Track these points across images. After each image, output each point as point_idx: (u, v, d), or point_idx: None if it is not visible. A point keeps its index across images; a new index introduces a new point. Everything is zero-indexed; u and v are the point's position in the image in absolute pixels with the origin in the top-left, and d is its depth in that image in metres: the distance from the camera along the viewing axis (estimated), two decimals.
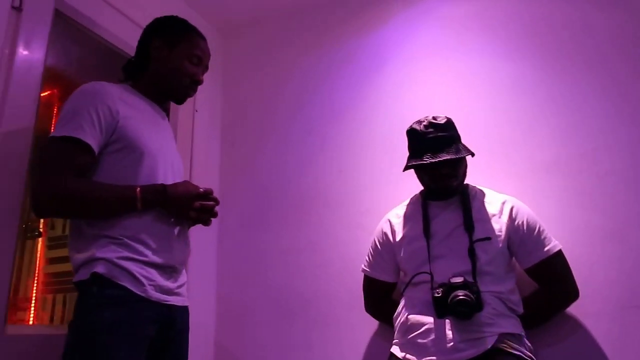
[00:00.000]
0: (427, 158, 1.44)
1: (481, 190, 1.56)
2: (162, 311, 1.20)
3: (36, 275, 2.22)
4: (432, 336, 1.34)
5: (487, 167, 1.72)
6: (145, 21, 1.83)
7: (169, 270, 1.25)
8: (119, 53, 1.81)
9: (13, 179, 1.37)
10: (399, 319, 1.48)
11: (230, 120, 2.36)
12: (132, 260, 1.16)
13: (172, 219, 1.28)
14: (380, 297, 1.66)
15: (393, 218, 1.62)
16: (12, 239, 1.35)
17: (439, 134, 1.46)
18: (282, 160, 2.17)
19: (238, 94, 2.36)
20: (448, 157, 1.41)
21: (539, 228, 1.47)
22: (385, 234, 1.60)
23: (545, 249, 1.44)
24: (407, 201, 1.64)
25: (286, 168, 2.15)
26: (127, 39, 1.78)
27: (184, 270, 1.34)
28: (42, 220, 2.20)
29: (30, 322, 2.08)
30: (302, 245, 2.01)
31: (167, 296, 1.22)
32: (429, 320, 1.37)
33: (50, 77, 1.83)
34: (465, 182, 1.55)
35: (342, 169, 2.02)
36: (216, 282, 2.17)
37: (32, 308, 2.16)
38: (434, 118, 1.50)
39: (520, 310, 1.42)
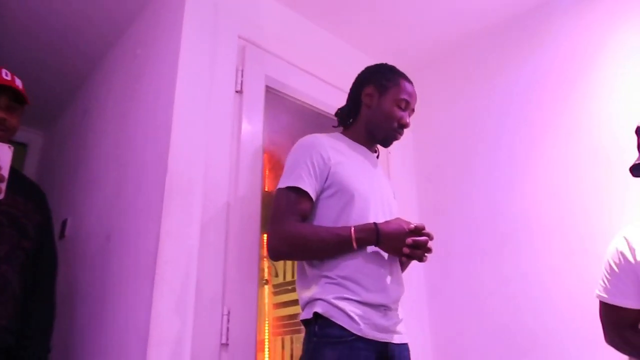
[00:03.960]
0: None
1: None
2: (380, 349, 1.23)
3: (266, 319, 2.49)
4: None
5: None
6: (336, 80, 2.01)
7: (383, 308, 1.28)
8: (319, 113, 2.02)
9: (251, 233, 1.60)
10: None
11: (423, 156, 2.40)
12: (347, 300, 1.22)
13: (385, 259, 1.32)
14: (624, 326, 1.44)
15: (630, 235, 1.41)
16: (254, 288, 1.57)
17: None
18: (483, 190, 2.11)
19: (428, 130, 2.40)
20: None
21: None
22: (621, 253, 1.41)
23: None
24: None
25: (489, 198, 2.08)
26: (325, 99, 1.99)
27: (399, 308, 1.36)
28: (267, 269, 2.49)
29: None
30: (519, 276, 1.89)
31: (383, 334, 1.25)
32: None
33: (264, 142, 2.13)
34: None
35: (554, 190, 1.87)
36: (429, 321, 2.15)
37: (266, 349, 2.42)
38: None
39: None
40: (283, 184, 1.33)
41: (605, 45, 1.86)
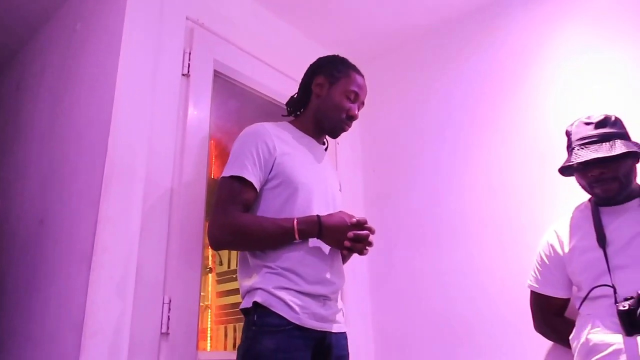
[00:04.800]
0: (575, 159, 1.35)
1: None
2: (318, 338, 1.25)
3: (209, 307, 2.46)
4: (623, 358, 1.21)
5: None
6: (286, 68, 1.99)
7: (323, 298, 1.30)
8: (269, 101, 2.00)
9: (195, 220, 1.56)
10: (578, 339, 1.36)
11: (370, 148, 2.43)
12: (287, 289, 1.23)
13: (326, 251, 1.33)
14: (552, 314, 1.55)
15: (560, 229, 1.51)
16: (197, 276, 1.54)
17: (591, 132, 1.36)
18: (426, 182, 2.17)
19: (375, 122, 2.43)
20: (595, 155, 1.30)
21: None
22: (552, 246, 1.50)
23: None
24: (574, 209, 1.53)
25: (431, 190, 2.14)
26: (275, 87, 1.96)
27: (339, 298, 1.39)
28: (211, 257, 2.45)
29: (208, 349, 2.31)
30: (456, 267, 1.97)
31: (321, 323, 1.27)
32: (616, 339, 1.24)
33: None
34: None
35: (492, 185, 1.95)
36: (371, 310, 2.20)
37: (209, 337, 2.39)
38: (587, 117, 1.41)
39: None
40: (227, 172, 1.31)
41: (545, 46, 1.95)
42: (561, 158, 1.48)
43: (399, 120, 2.35)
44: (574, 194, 1.53)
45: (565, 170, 1.47)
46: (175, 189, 1.53)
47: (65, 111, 1.74)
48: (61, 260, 1.45)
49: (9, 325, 1.63)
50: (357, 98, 1.48)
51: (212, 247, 1.36)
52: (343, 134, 1.54)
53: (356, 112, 1.48)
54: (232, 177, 1.29)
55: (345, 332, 1.37)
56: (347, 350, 1.36)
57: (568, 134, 1.45)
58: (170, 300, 1.42)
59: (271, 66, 2.02)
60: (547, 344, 1.63)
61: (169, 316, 1.40)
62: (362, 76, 1.52)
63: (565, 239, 1.47)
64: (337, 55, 1.56)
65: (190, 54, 1.70)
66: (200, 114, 1.68)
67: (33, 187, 1.77)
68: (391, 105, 2.40)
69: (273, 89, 1.98)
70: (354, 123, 1.52)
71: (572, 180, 1.50)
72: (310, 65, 1.55)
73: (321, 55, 1.57)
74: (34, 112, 1.97)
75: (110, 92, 1.45)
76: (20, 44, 2.26)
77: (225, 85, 1.87)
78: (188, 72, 1.68)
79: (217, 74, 1.80)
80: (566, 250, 1.45)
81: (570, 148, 1.42)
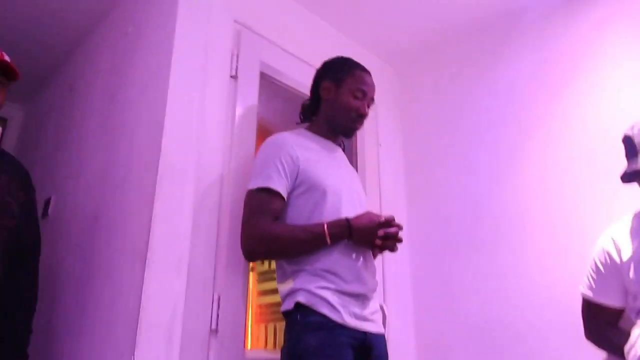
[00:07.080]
0: None
1: None
2: (359, 337, 1.26)
3: (250, 306, 2.49)
4: None
5: None
6: None
7: (362, 298, 1.32)
8: None
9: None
10: (633, 351, 1.32)
11: (413, 149, 2.40)
12: (328, 289, 1.26)
13: (359, 250, 1.35)
14: (604, 324, 1.49)
15: (616, 235, 1.46)
16: (245, 274, 1.56)
17: None
18: (470, 183, 2.13)
19: (417, 123, 2.41)
20: None
21: None
22: (608, 252, 1.45)
23: None
24: (631, 215, 1.47)
25: (476, 191, 2.10)
26: None
27: (375, 298, 1.40)
28: None
29: (248, 348, 2.34)
30: (502, 271, 1.93)
31: (362, 322, 1.28)
32: None
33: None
34: None
35: (540, 188, 1.90)
36: (413, 312, 2.18)
37: (249, 335, 2.42)
38: None
39: None
40: (253, 185, 1.35)
41: (597, 48, 1.89)
42: (613, 164, 1.42)
43: (441, 119, 2.32)
44: (633, 199, 1.47)
45: (627, 176, 1.41)
46: (224, 188, 1.56)
47: (117, 112, 1.79)
48: (115, 255, 1.50)
49: (65, 316, 1.69)
50: (364, 95, 1.49)
51: (246, 259, 1.41)
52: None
53: (366, 110, 1.49)
54: (259, 189, 1.32)
55: (383, 334, 1.38)
56: (386, 351, 1.37)
57: (629, 138, 1.40)
58: (219, 297, 1.45)
59: (314, 67, 2.02)
60: (598, 353, 1.58)
61: (218, 313, 1.43)
62: (368, 73, 1.52)
63: (623, 246, 1.42)
64: (341, 57, 1.57)
65: (237, 56, 1.73)
66: (247, 115, 1.70)
67: (87, 184, 1.84)
68: (434, 105, 2.37)
69: None
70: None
71: (631, 185, 1.45)
72: (317, 70, 1.57)
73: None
74: (88, 112, 2.04)
75: (163, 94, 1.49)
76: (72, 45, 2.36)
77: (270, 86, 1.89)
78: (236, 74, 1.71)
79: (263, 76, 1.82)
80: (624, 258, 1.40)
81: (632, 153, 1.37)
